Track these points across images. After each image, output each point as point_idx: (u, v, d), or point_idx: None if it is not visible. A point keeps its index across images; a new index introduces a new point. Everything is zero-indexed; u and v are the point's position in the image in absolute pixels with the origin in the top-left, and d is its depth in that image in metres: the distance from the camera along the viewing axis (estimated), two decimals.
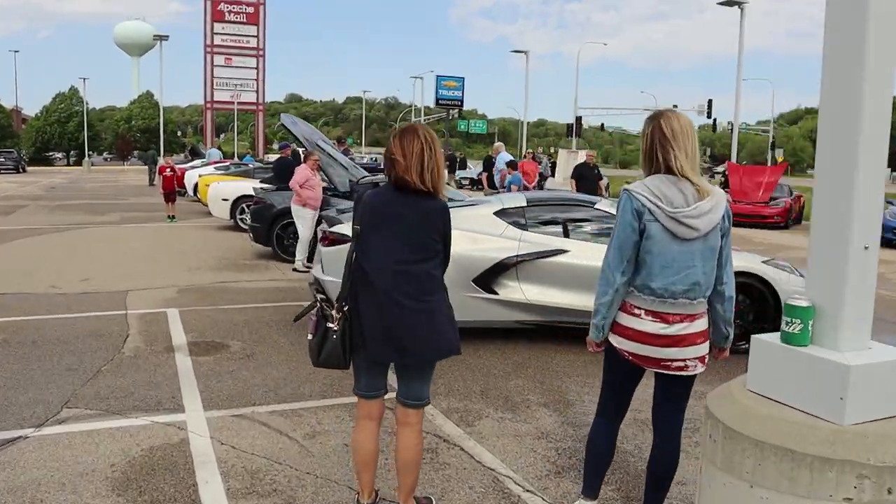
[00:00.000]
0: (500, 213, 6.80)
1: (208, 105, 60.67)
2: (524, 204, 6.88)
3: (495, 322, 6.62)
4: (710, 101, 49.19)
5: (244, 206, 14.72)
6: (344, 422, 4.50)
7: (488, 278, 6.47)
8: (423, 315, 3.07)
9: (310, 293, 7.56)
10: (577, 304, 6.53)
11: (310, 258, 10.21)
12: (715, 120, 51.07)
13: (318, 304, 3.20)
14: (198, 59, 60.98)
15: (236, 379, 5.29)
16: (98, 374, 5.29)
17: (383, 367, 3.25)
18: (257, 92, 62.22)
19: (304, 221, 10.03)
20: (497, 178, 16.73)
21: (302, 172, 9.98)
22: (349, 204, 8.17)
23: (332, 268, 6.54)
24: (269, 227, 10.91)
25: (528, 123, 49.89)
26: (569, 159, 31.63)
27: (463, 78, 48.96)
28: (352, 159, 13.70)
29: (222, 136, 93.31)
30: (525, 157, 17.67)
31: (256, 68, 61.62)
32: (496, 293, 6.49)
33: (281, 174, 13.67)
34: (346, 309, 3.10)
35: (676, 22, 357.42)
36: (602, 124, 60.74)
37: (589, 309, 6.55)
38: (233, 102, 60.14)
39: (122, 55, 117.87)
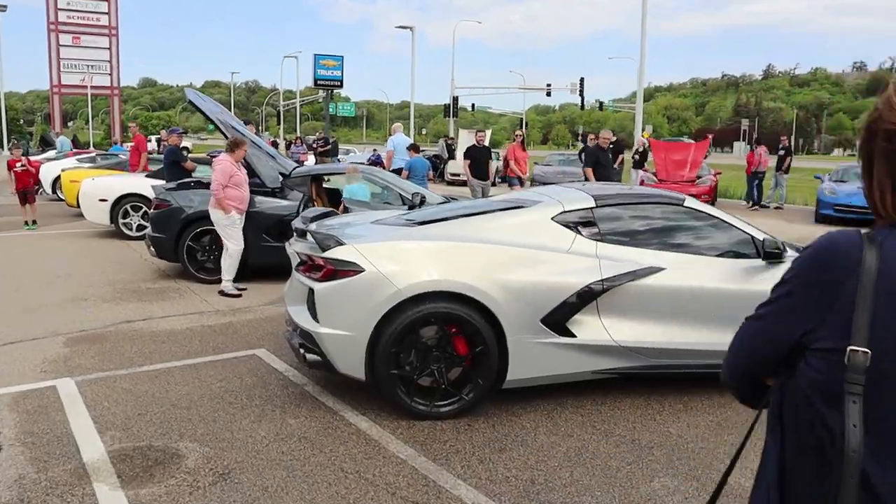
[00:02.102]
0: (562, 219, 4.79)
1: (55, 89, 53.97)
2: (593, 204, 4.90)
3: (569, 375, 4.64)
4: (581, 80, 49.61)
5: (128, 207, 11.84)
6: None
7: (563, 315, 4.46)
8: None
9: (289, 350, 5.20)
10: (682, 341, 4.68)
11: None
12: (583, 98, 51.36)
13: None
14: (35, 41, 54.19)
15: None
16: None
17: None
18: (111, 75, 56.07)
19: (233, 230, 7.57)
20: (392, 162, 14.69)
21: (224, 167, 7.49)
22: (317, 210, 5.86)
23: (331, 314, 4.30)
24: (176, 237, 8.31)
25: (413, 105, 47.65)
26: (471, 140, 29.88)
27: (342, 57, 45.92)
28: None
29: (71, 123, 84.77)
30: (514, 139, 15.58)
31: (109, 48, 55.46)
32: (574, 335, 4.50)
33: (173, 167, 11.03)
34: None
35: (535, 4, 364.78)
36: (473, 104, 60.39)
37: (702, 347, 4.75)
38: (84, 86, 53.98)
39: None
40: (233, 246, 7.56)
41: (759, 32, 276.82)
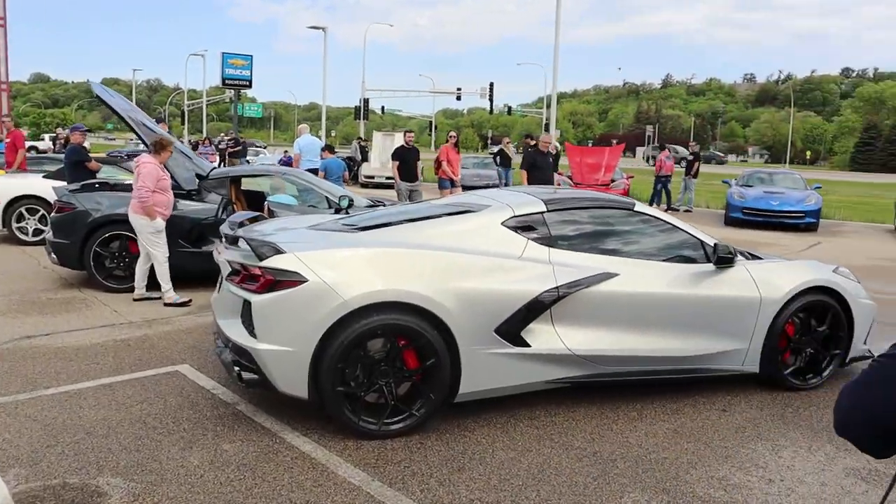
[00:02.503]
0: (513, 224, 4.58)
1: None
2: (543, 208, 4.72)
3: (523, 386, 4.44)
4: (491, 84, 50.39)
5: (23, 209, 10.90)
6: None
7: (517, 325, 4.25)
8: None
9: (216, 365, 4.80)
10: (636, 347, 4.57)
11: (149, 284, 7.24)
12: (492, 102, 52.16)
13: None
14: None
15: None
16: None
17: None
18: None
19: (159, 237, 7.02)
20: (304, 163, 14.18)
21: (150, 170, 6.93)
22: (245, 214, 5.44)
23: (271, 328, 3.92)
24: (81, 242, 7.63)
25: (325, 107, 46.76)
26: (385, 142, 29.53)
27: (251, 56, 44.52)
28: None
29: None
30: (448, 140, 15.05)
31: None
32: (528, 345, 4.30)
33: (76, 167, 10.25)
34: None
35: (444, 9, 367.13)
36: (383, 107, 60.58)
37: (656, 354, 4.63)
38: None
39: None
40: (161, 253, 7.02)
41: (658, 43, 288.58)
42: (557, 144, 25.57)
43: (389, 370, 4.04)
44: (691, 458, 3.94)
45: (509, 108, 68.27)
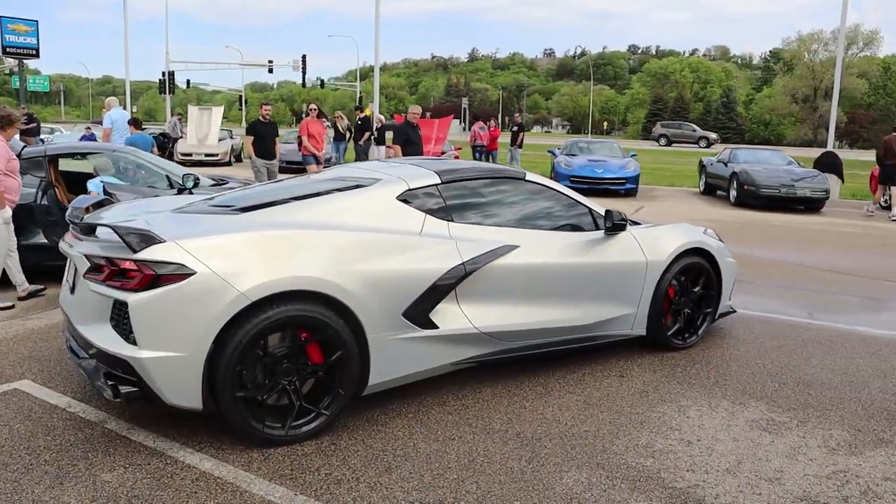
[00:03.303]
0: (408, 198, 4.28)
1: None
2: (438, 181, 4.45)
3: (432, 370, 4.20)
4: (304, 57, 49.37)
5: None
6: None
7: (425, 306, 3.99)
8: None
9: (65, 377, 4.08)
10: (540, 319, 4.50)
11: None
12: (305, 75, 51.20)
13: None
14: None
15: None
16: None
17: None
18: None
19: (7, 229, 6.00)
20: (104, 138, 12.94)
21: (3, 149, 5.81)
22: (89, 198, 4.62)
23: (155, 332, 3.34)
24: None
25: (129, 81, 42.82)
26: (201, 117, 27.66)
27: (36, 21, 39.65)
28: None
29: None
30: (309, 113, 13.85)
31: None
32: (436, 327, 4.05)
33: None
34: None
35: None
36: (188, 81, 57.92)
37: (559, 324, 4.57)
38: None
39: None
40: (5, 249, 5.93)
41: (464, 18, 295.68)
42: (382, 117, 25.29)
43: (293, 368, 3.62)
44: (611, 429, 3.91)
45: (322, 81, 67.00)
